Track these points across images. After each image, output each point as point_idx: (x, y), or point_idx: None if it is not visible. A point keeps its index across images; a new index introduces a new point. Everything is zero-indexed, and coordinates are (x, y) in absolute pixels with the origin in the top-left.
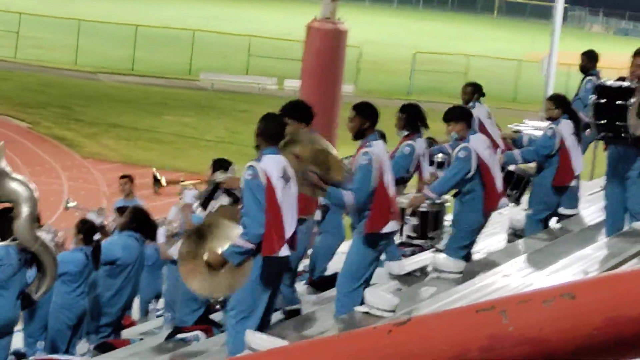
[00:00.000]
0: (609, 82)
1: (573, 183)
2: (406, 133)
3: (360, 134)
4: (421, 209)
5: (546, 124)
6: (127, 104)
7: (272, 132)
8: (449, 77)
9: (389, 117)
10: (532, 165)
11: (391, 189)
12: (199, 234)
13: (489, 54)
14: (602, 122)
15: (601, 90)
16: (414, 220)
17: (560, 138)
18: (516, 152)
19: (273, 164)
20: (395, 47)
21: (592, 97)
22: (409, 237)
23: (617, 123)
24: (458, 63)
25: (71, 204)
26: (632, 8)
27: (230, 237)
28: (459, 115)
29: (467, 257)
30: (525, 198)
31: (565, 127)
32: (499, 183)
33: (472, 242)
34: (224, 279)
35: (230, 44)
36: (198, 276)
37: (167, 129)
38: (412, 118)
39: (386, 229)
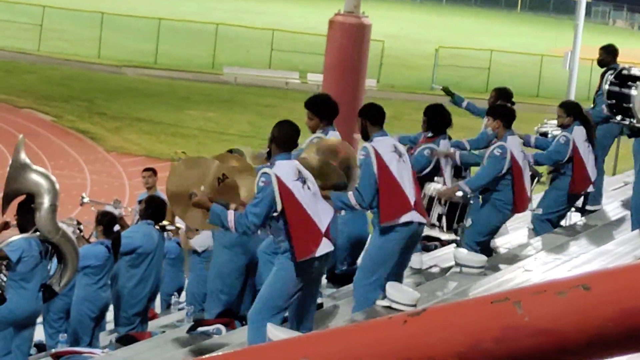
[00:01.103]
0: (633, 69)
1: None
2: (430, 134)
3: (366, 135)
4: (452, 200)
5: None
6: (151, 98)
7: (285, 139)
8: (472, 72)
9: (410, 112)
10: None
11: (405, 180)
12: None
13: (512, 49)
14: (612, 102)
15: (619, 74)
16: (440, 210)
17: (573, 145)
18: (531, 153)
19: (285, 168)
20: (418, 42)
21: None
22: (432, 225)
23: (623, 105)
24: (481, 58)
25: (86, 200)
26: None
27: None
28: (498, 112)
29: (489, 253)
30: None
31: (578, 134)
32: (527, 186)
33: (490, 240)
34: (200, 215)
35: (253, 38)
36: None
37: (191, 123)
38: (434, 120)
39: (404, 218)
